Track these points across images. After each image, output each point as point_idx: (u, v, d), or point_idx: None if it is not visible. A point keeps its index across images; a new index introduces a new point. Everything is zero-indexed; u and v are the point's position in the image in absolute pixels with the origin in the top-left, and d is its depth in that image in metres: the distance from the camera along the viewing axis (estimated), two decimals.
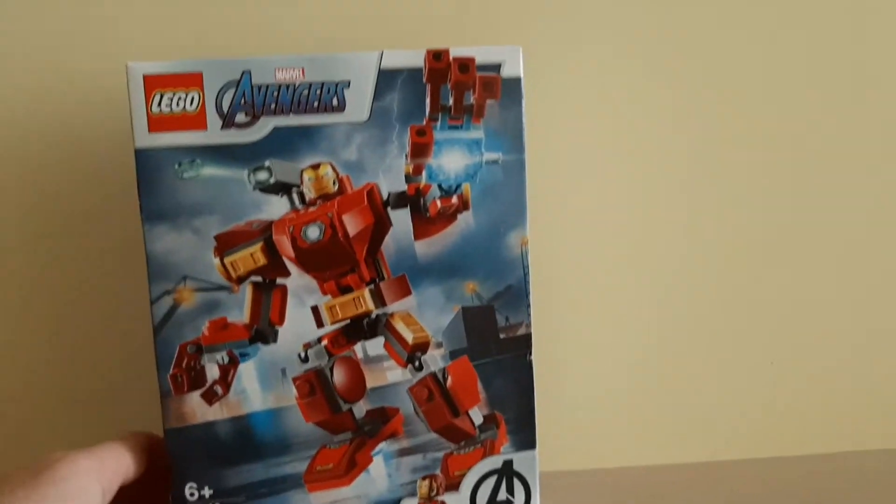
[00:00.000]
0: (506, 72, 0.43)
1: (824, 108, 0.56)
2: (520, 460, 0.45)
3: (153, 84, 0.40)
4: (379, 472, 0.44)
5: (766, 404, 0.58)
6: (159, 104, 0.40)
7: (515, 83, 0.43)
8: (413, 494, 0.45)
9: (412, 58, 0.42)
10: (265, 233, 0.42)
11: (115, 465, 0.39)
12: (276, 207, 0.42)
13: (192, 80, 0.41)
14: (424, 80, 0.42)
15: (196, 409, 0.43)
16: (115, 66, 0.43)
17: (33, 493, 0.35)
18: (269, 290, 0.43)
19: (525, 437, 0.45)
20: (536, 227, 0.45)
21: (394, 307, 0.43)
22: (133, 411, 0.51)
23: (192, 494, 0.43)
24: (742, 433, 0.58)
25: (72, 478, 0.36)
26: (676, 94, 0.54)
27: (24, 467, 0.36)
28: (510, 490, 0.46)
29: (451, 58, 0.42)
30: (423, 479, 0.45)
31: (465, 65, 0.42)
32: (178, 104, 0.41)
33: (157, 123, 0.41)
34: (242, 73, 0.41)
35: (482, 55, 0.42)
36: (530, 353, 0.45)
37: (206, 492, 0.43)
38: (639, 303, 0.56)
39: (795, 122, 0.56)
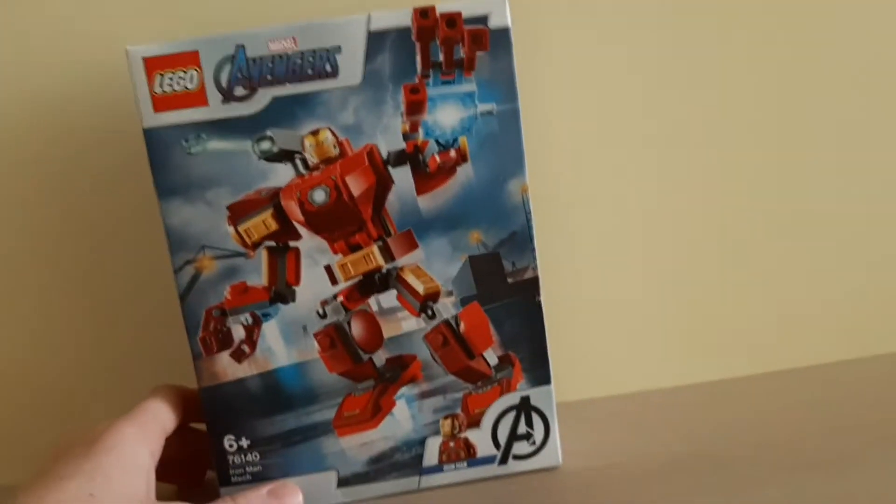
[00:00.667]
0: (493, 23, 0.43)
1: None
2: (536, 395, 0.48)
3: (153, 66, 0.42)
4: (403, 414, 0.47)
5: (779, 318, 0.59)
6: (161, 85, 0.42)
7: (504, 33, 0.43)
8: (437, 433, 0.47)
9: (399, 18, 0.43)
10: (274, 199, 0.44)
11: (155, 425, 0.42)
12: (282, 174, 0.44)
13: (189, 59, 0.42)
14: (413, 38, 0.43)
15: (227, 367, 0.46)
16: (114, 48, 0.45)
17: (87, 462, 0.38)
18: (283, 254, 0.45)
19: (540, 374, 0.47)
20: (536, 173, 0.46)
21: (403, 261, 0.45)
22: (168, 375, 0.55)
23: (231, 445, 0.46)
24: (751, 349, 0.59)
25: (120, 445, 0.39)
26: (666, 33, 0.54)
27: (76, 440, 0.40)
28: (529, 423, 0.48)
29: (437, 14, 0.43)
30: (445, 418, 0.47)
31: (452, 20, 0.43)
32: (178, 83, 0.42)
33: (161, 103, 0.42)
34: (237, 48, 0.42)
35: (468, 8, 0.43)
36: (539, 295, 0.46)
37: (244, 442, 0.46)
38: (644, 231, 0.57)
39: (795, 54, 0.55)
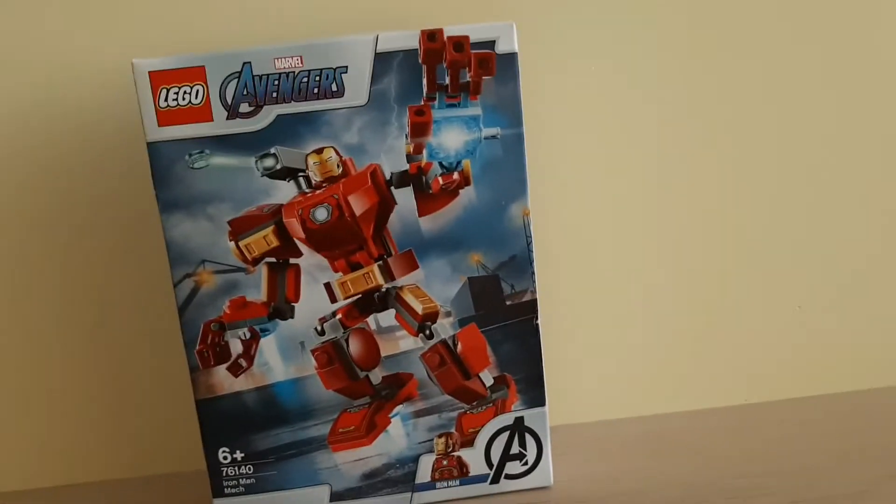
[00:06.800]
0: (500, 48, 0.43)
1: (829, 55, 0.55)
2: (530, 416, 0.48)
3: (159, 80, 0.42)
4: (398, 431, 0.47)
5: (778, 347, 0.59)
6: (166, 99, 0.42)
7: (510, 58, 0.43)
8: (431, 451, 0.48)
9: (407, 39, 0.43)
10: (276, 216, 0.44)
11: None
12: (284, 192, 0.44)
13: (195, 74, 0.42)
14: (420, 60, 0.43)
15: (223, 381, 0.46)
16: (121, 60, 0.45)
17: None
18: (283, 270, 0.45)
19: (535, 395, 0.48)
20: (537, 197, 0.46)
21: (402, 281, 0.45)
22: (165, 386, 0.55)
23: (225, 458, 0.47)
24: (747, 378, 0.59)
25: None
26: (674, 63, 0.54)
27: None
28: (522, 444, 0.48)
29: (445, 37, 0.43)
30: (440, 436, 0.48)
31: (460, 43, 0.43)
32: (184, 98, 0.42)
33: (165, 117, 0.42)
34: (243, 65, 0.42)
35: (476, 33, 0.43)
36: (536, 318, 0.47)
37: (238, 455, 0.47)
38: (642, 258, 0.57)
39: (800, 70, 0.55)
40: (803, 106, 0.56)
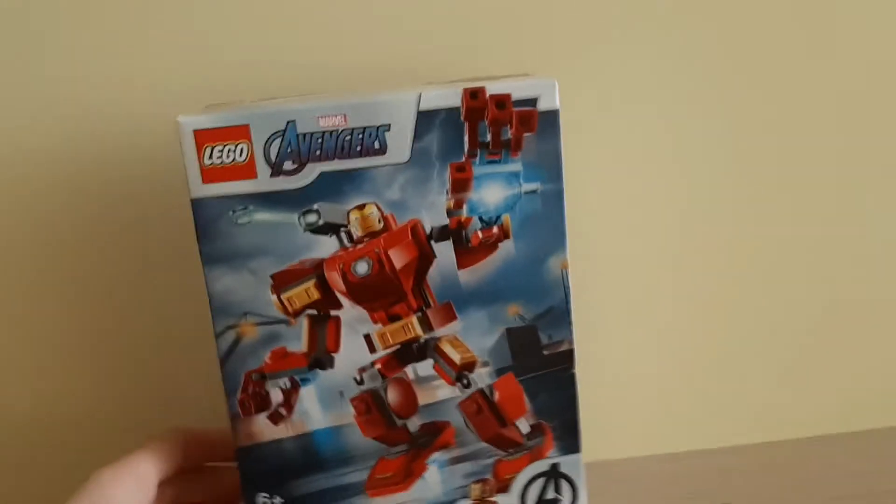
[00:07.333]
0: (542, 105, 0.43)
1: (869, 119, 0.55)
2: (566, 463, 0.48)
3: (203, 138, 0.42)
4: (434, 478, 0.48)
5: (806, 385, 0.59)
6: (210, 156, 0.42)
7: (552, 116, 0.43)
8: (466, 497, 0.48)
9: (449, 97, 0.43)
10: (317, 270, 0.44)
11: (142, 467, 0.43)
12: (326, 247, 0.44)
13: (240, 133, 0.42)
14: (462, 118, 0.43)
15: (263, 429, 0.46)
16: (165, 114, 0.45)
17: None
18: (323, 322, 0.45)
19: (570, 443, 0.48)
20: (576, 250, 0.46)
21: (441, 332, 0.46)
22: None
23: (264, 503, 0.47)
24: (780, 416, 0.60)
25: (96, 491, 0.41)
26: (710, 120, 0.54)
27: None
28: (557, 489, 0.49)
29: (487, 95, 0.43)
30: (475, 482, 0.48)
31: (502, 101, 0.43)
32: (228, 156, 0.42)
33: (209, 175, 0.43)
34: (287, 123, 0.42)
35: (518, 91, 0.43)
36: (573, 367, 0.47)
37: (277, 500, 0.47)
38: (676, 312, 0.58)
39: (835, 139, 0.55)
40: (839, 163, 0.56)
